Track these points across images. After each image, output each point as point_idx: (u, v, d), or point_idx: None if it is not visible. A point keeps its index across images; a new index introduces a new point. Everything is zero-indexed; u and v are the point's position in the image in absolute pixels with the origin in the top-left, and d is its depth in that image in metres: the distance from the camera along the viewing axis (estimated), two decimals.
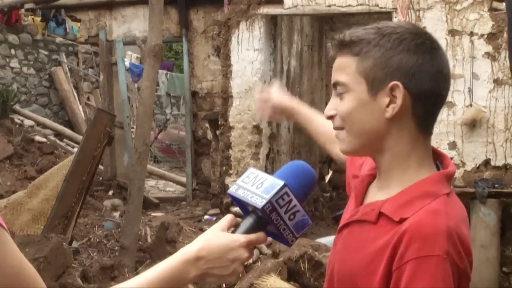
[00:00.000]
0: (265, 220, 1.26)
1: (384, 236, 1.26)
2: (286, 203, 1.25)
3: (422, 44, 1.28)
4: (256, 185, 1.27)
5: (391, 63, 1.27)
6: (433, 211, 1.22)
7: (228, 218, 1.28)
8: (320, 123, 1.88)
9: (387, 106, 1.27)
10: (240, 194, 1.28)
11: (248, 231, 1.26)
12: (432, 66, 1.27)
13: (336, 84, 1.33)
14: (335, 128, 1.36)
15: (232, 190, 1.30)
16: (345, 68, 1.31)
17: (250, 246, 1.24)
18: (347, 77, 1.30)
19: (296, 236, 1.28)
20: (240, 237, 1.23)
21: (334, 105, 1.34)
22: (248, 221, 1.27)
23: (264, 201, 1.23)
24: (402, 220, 1.24)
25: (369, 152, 1.35)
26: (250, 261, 5.58)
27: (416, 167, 1.31)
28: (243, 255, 1.22)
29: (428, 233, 1.19)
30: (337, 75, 1.33)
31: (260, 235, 1.25)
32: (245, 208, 1.31)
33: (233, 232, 1.27)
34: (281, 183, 1.25)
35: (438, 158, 1.37)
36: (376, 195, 1.36)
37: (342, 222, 1.42)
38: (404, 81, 1.26)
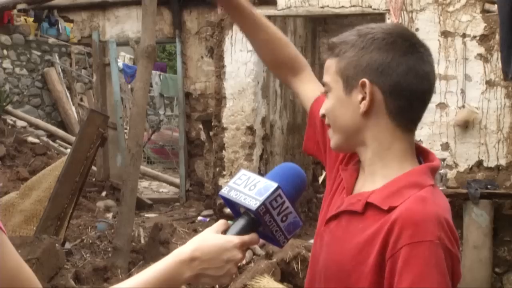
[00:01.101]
0: (257, 221, 1.27)
1: (373, 225, 1.28)
2: (279, 205, 1.26)
3: (394, 43, 1.33)
4: (249, 187, 1.28)
5: (362, 62, 1.33)
6: (422, 199, 1.26)
7: (221, 222, 1.29)
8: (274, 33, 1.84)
9: (360, 102, 1.34)
10: (233, 195, 1.28)
11: (240, 232, 1.26)
12: (401, 63, 1.32)
13: (323, 85, 1.43)
14: (328, 126, 1.43)
15: (224, 191, 1.31)
16: (328, 69, 1.40)
17: (244, 247, 1.25)
18: (329, 77, 1.39)
19: (288, 237, 1.29)
20: (234, 238, 1.24)
21: (324, 104, 1.43)
22: (240, 223, 1.28)
23: (258, 203, 1.24)
24: (391, 209, 1.27)
25: (353, 147, 1.41)
26: (244, 262, 5.58)
27: (398, 161, 1.35)
28: (237, 256, 1.23)
29: (419, 220, 1.22)
30: (324, 77, 1.42)
31: (253, 236, 1.26)
32: (236, 209, 1.31)
33: (225, 233, 1.27)
34: (275, 185, 1.26)
35: (422, 154, 1.41)
36: (362, 187, 1.39)
37: (330, 213, 1.43)
38: (373, 78, 1.32)
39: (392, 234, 1.23)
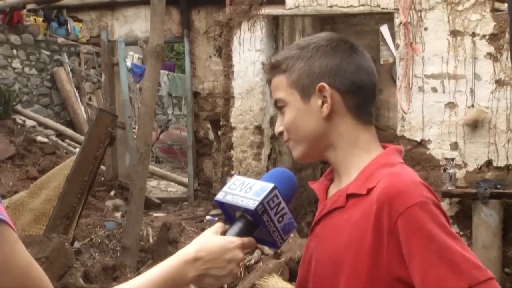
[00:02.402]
0: (253, 224, 1.30)
1: (357, 211, 1.33)
2: (276, 205, 1.30)
3: (337, 47, 1.43)
4: (244, 190, 1.31)
5: (314, 69, 1.41)
6: (394, 173, 1.33)
7: (218, 224, 1.33)
8: None
9: (321, 107, 1.40)
10: (229, 199, 1.31)
11: (238, 235, 1.30)
12: (350, 63, 1.41)
13: (276, 102, 1.47)
14: (285, 142, 1.48)
15: (219, 197, 1.34)
16: (278, 86, 1.45)
17: (244, 248, 1.29)
18: (282, 93, 1.44)
19: (284, 238, 1.33)
20: (235, 239, 1.27)
21: (280, 122, 1.46)
22: (237, 226, 1.31)
23: (257, 203, 1.27)
24: (369, 190, 1.33)
25: (320, 152, 1.46)
26: (252, 261, 5.58)
27: (366, 151, 1.42)
28: (238, 256, 1.27)
29: (400, 189, 1.28)
30: (275, 94, 1.46)
31: (251, 239, 1.31)
32: (231, 215, 1.35)
33: (224, 235, 1.30)
34: (271, 185, 1.30)
35: (384, 147, 1.50)
36: (339, 187, 1.44)
37: (314, 221, 1.48)
38: (329, 81, 1.40)
39: (383, 212, 1.27)
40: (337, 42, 1.43)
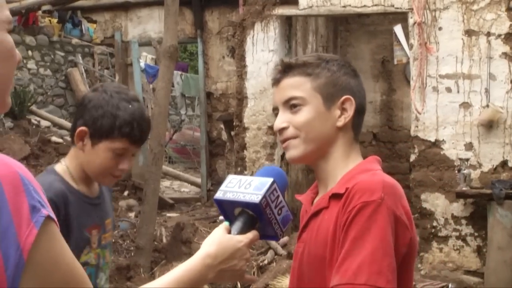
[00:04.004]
0: (254, 219, 1.38)
1: (336, 209, 1.42)
2: (275, 198, 1.37)
3: (353, 71, 1.58)
4: (244, 186, 1.38)
5: (340, 82, 1.53)
6: (371, 174, 1.45)
7: (224, 225, 1.42)
8: None
9: (339, 116, 1.51)
10: (230, 196, 1.38)
11: (242, 231, 1.37)
12: (362, 88, 1.58)
13: (290, 100, 1.52)
14: (286, 139, 1.54)
15: (219, 195, 1.40)
16: (299, 86, 1.52)
17: (251, 245, 1.40)
18: (303, 93, 1.51)
19: (283, 230, 1.40)
20: (243, 238, 1.37)
21: (287, 118, 1.53)
22: (239, 223, 1.38)
23: (260, 196, 1.34)
24: (347, 189, 1.41)
25: (316, 158, 1.54)
26: (266, 261, 5.58)
27: (353, 164, 1.53)
28: (247, 254, 1.38)
29: (366, 186, 1.38)
30: (292, 92, 1.52)
31: (255, 233, 1.39)
32: (229, 213, 1.41)
33: (229, 233, 1.39)
34: (271, 179, 1.38)
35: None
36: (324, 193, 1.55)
37: (300, 228, 1.56)
38: (352, 97, 1.53)
39: (345, 203, 1.38)
40: (351, 67, 1.58)
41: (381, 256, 1.31)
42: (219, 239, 1.36)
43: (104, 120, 1.94)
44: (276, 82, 1.56)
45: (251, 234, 1.38)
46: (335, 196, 1.44)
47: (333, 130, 1.52)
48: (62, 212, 1.88)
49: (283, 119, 1.53)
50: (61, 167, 2.02)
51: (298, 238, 1.56)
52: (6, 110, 1.08)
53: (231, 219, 1.41)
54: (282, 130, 1.54)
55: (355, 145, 1.56)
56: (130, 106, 1.97)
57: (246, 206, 1.37)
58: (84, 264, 1.96)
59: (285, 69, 1.54)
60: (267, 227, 1.39)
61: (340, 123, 1.51)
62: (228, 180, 1.43)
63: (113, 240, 6.18)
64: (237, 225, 1.38)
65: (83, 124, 1.96)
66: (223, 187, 1.41)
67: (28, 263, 0.91)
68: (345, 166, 1.52)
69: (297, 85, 1.52)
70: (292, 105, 1.52)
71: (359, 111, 1.54)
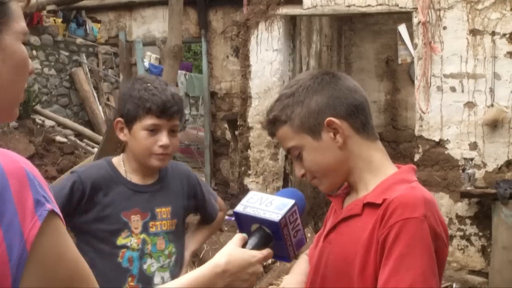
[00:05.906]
0: (269, 237, 1.40)
1: (371, 220, 1.41)
2: (294, 220, 1.40)
3: (322, 80, 1.52)
4: (265, 204, 1.41)
5: (312, 108, 1.50)
6: (411, 187, 1.43)
7: (240, 236, 1.44)
8: None
9: (334, 138, 1.49)
10: (250, 212, 1.41)
11: (257, 246, 1.40)
12: (340, 90, 1.51)
13: (289, 151, 1.56)
14: (311, 181, 1.57)
15: (239, 209, 1.43)
16: (286, 136, 1.54)
17: (263, 262, 1.42)
18: (293, 141, 1.53)
19: (296, 253, 1.43)
20: (257, 253, 1.40)
21: (299, 166, 1.56)
22: (255, 239, 1.41)
23: (281, 216, 1.37)
24: (384, 201, 1.41)
25: (344, 178, 1.56)
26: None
27: (382, 167, 1.52)
28: (259, 270, 1.40)
29: (408, 201, 1.36)
30: (286, 144, 1.56)
31: (269, 251, 1.42)
32: (245, 228, 1.44)
33: (245, 246, 1.41)
34: (292, 201, 1.40)
35: (398, 167, 1.59)
36: (356, 198, 1.54)
37: (327, 228, 1.57)
38: (332, 113, 1.49)
39: (384, 216, 1.37)
40: (321, 77, 1.53)
41: (430, 276, 1.32)
42: (231, 251, 1.39)
43: (129, 104, 2.08)
44: (272, 136, 1.61)
45: (266, 251, 1.40)
46: (370, 205, 1.44)
47: (338, 152, 1.51)
48: (87, 192, 2.07)
49: (298, 169, 1.57)
50: (118, 158, 2.26)
51: (325, 238, 1.56)
52: (13, 120, 1.10)
53: (245, 232, 1.44)
54: (302, 176, 1.57)
55: (371, 144, 1.53)
56: (149, 85, 2.07)
57: (264, 223, 1.40)
58: (123, 247, 2.07)
59: (272, 125, 1.57)
60: (281, 247, 1.41)
61: (339, 143, 1.50)
62: (249, 196, 1.46)
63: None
64: (253, 240, 1.40)
65: (117, 116, 2.14)
66: (244, 201, 1.45)
67: (31, 255, 0.92)
68: (374, 171, 1.51)
69: (284, 137, 1.55)
70: (294, 155, 1.56)
71: (351, 113, 1.51)
